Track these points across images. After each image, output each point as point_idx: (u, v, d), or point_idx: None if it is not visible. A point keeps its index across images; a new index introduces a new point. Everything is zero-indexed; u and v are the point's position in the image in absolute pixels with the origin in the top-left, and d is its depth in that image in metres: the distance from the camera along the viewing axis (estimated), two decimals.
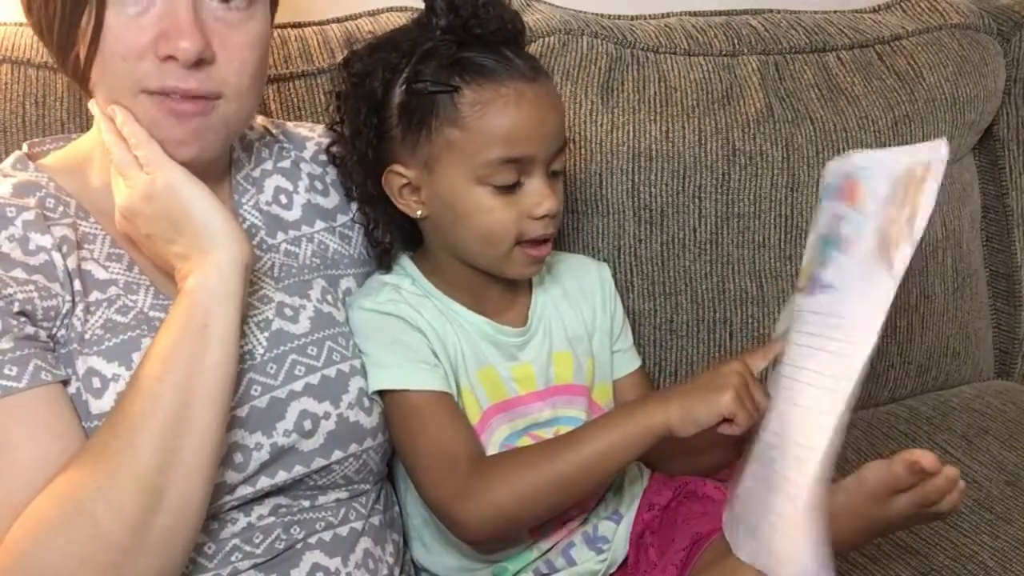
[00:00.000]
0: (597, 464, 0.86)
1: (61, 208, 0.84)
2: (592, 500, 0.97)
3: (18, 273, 0.78)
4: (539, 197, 0.89)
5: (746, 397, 0.82)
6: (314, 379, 0.88)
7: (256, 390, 0.85)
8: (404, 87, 0.90)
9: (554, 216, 0.91)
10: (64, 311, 0.80)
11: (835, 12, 1.39)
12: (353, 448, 0.89)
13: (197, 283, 0.79)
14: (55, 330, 0.80)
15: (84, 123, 1.03)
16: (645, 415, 0.84)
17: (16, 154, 0.88)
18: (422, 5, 0.92)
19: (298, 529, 0.87)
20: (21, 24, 1.07)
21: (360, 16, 1.21)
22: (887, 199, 0.76)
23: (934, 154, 0.75)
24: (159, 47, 0.78)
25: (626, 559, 0.98)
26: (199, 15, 0.79)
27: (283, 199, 0.96)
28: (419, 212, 0.93)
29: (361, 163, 0.94)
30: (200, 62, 0.79)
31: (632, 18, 1.31)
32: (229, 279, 0.80)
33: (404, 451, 0.92)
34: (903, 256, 0.74)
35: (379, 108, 0.91)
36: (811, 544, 0.73)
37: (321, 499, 0.89)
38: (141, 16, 0.78)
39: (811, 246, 0.85)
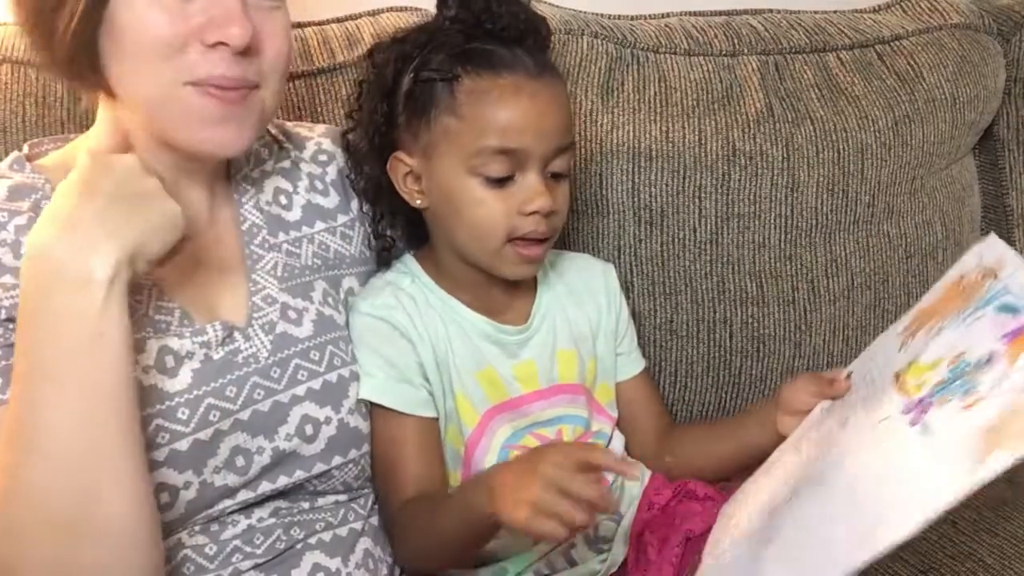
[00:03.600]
0: (462, 538, 0.85)
1: None
2: None
3: (7, 279, 0.77)
4: (531, 193, 0.89)
5: (549, 515, 0.72)
6: (316, 384, 0.88)
7: (259, 394, 0.85)
8: (412, 75, 0.92)
9: (547, 215, 0.90)
10: None
11: (835, 12, 1.39)
12: (353, 454, 0.89)
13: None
14: None
15: (84, 123, 1.03)
16: (476, 506, 0.79)
17: (14, 155, 0.88)
18: (423, 5, 0.93)
19: (298, 530, 0.87)
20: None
21: (360, 16, 1.21)
22: None
23: None
24: (208, 34, 0.78)
25: (626, 558, 0.98)
26: (244, 3, 0.79)
27: (283, 199, 0.96)
28: (419, 202, 0.94)
29: (371, 149, 0.95)
30: (247, 50, 0.79)
31: (632, 18, 1.31)
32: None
33: (373, 464, 0.93)
34: (998, 462, 0.64)
35: (390, 95, 0.93)
36: None
37: (320, 501, 0.89)
38: (184, 4, 0.78)
39: (947, 345, 0.75)
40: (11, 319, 0.76)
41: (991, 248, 0.79)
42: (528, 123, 0.88)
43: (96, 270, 0.70)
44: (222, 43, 0.78)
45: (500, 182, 0.89)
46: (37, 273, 0.71)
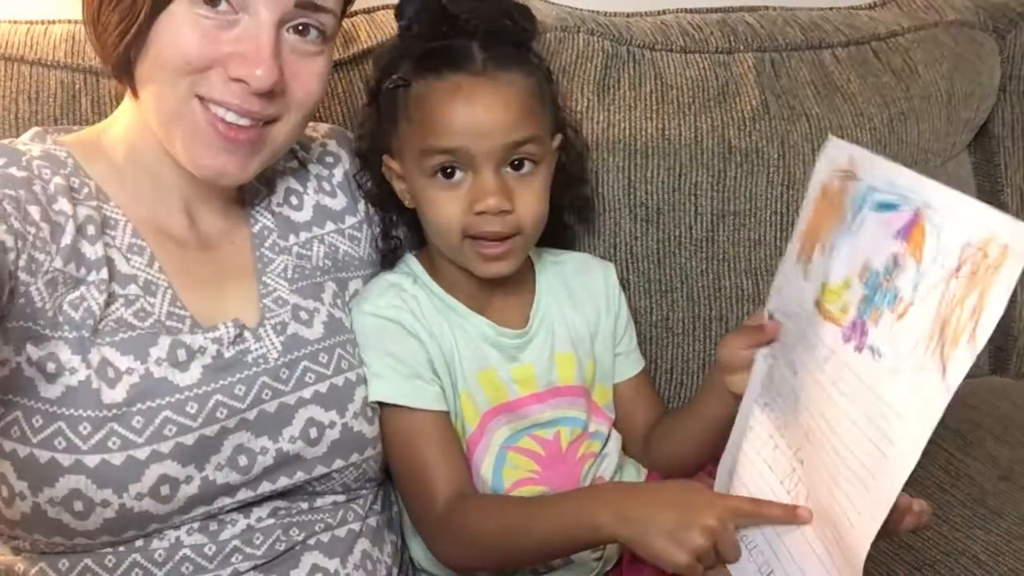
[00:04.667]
0: (555, 547, 0.87)
1: (86, 190, 0.83)
2: None
3: (33, 210, 0.76)
4: (480, 192, 0.89)
5: (709, 556, 0.78)
6: (323, 387, 0.88)
7: (267, 394, 0.85)
8: (386, 84, 0.93)
9: (498, 214, 0.89)
10: (47, 276, 0.77)
11: (831, 9, 1.39)
12: (354, 457, 0.89)
13: None
14: (22, 279, 0.75)
15: (77, 118, 1.03)
16: (597, 526, 0.81)
17: (33, 130, 0.87)
18: None
19: (297, 531, 0.87)
20: (13, 22, 1.07)
21: (356, 14, 1.20)
22: (952, 270, 0.65)
23: (1017, 238, 0.62)
24: (232, 68, 0.78)
25: (621, 556, 0.98)
26: (278, 46, 0.79)
27: (294, 200, 0.96)
28: (407, 202, 0.95)
29: (368, 153, 0.98)
30: (269, 92, 0.79)
31: (628, 15, 1.31)
32: None
33: (392, 468, 0.94)
34: (960, 363, 0.64)
35: (375, 102, 0.96)
36: None
37: (319, 501, 0.89)
38: (220, 30, 0.78)
39: (848, 260, 0.75)
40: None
41: (838, 150, 0.78)
42: (465, 122, 0.88)
43: None
44: (243, 80, 0.78)
45: (451, 181, 0.90)
46: None
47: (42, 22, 1.07)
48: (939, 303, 0.66)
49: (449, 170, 0.89)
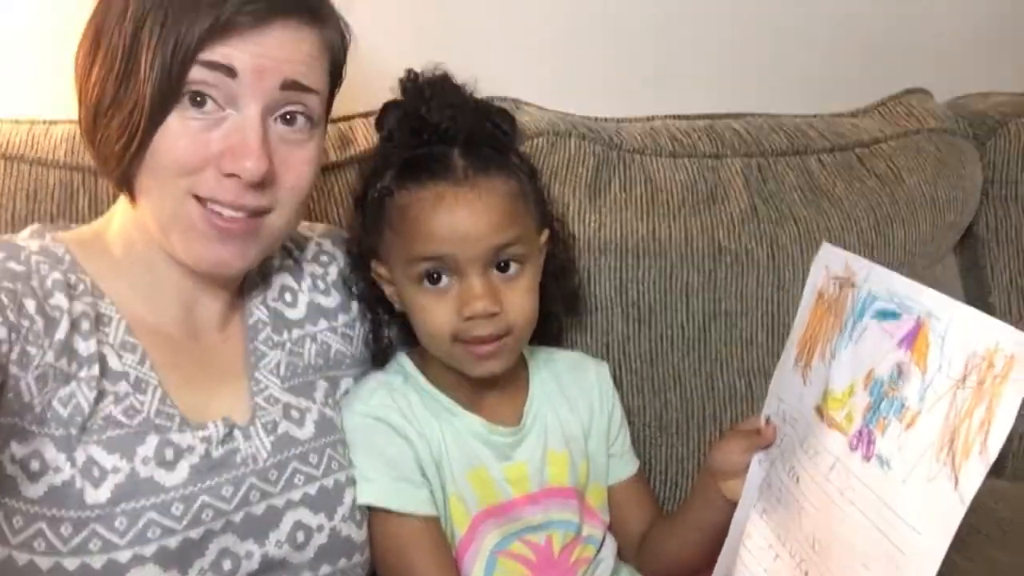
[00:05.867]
0: None
1: (81, 286, 0.83)
2: None
3: (28, 302, 0.76)
4: (467, 297, 0.89)
5: None
6: (312, 489, 0.86)
7: (255, 496, 0.83)
8: (371, 191, 0.94)
9: (487, 316, 0.89)
10: (38, 370, 0.76)
11: (815, 116, 1.42)
12: (342, 563, 0.87)
13: None
14: (12, 372, 0.74)
15: (75, 216, 1.03)
16: None
17: (31, 227, 0.88)
18: None
19: None
20: (16, 121, 1.09)
21: (354, 117, 1.23)
22: (959, 380, 0.66)
23: (1022, 349, 0.62)
24: (224, 163, 0.79)
25: None
26: (267, 136, 0.80)
27: (288, 297, 0.96)
28: (397, 305, 0.95)
29: (359, 256, 0.97)
30: (261, 182, 0.80)
31: (618, 121, 1.34)
32: None
33: (379, 570, 0.91)
34: (972, 476, 0.64)
35: (362, 208, 0.96)
36: None
37: None
38: (208, 130, 0.79)
39: (850, 367, 0.75)
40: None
41: (833, 257, 0.79)
42: (449, 230, 0.88)
43: None
44: (235, 175, 0.79)
45: (437, 287, 0.90)
46: None
47: (43, 121, 1.09)
48: (947, 413, 0.66)
49: (435, 275, 0.90)
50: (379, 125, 0.97)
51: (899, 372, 0.71)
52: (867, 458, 0.73)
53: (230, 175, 0.79)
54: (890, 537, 0.69)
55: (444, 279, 0.90)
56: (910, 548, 0.68)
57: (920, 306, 0.70)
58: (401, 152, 0.93)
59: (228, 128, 0.79)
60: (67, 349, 0.78)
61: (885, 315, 0.73)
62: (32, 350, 0.75)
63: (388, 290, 0.96)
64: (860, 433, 0.74)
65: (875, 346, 0.74)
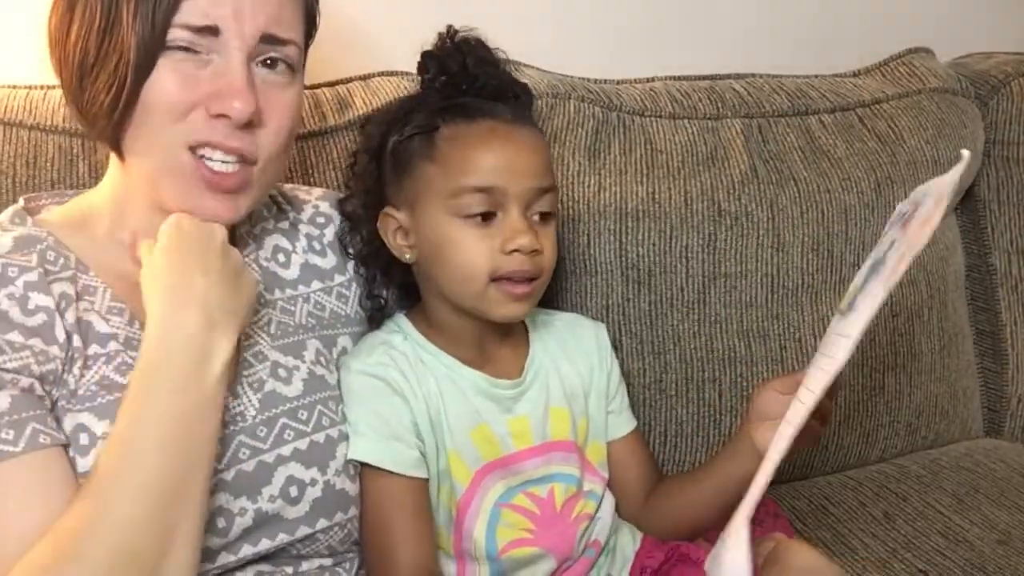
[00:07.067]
0: None
1: (62, 261, 0.83)
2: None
3: (15, 336, 0.77)
4: (512, 231, 0.90)
5: None
6: (303, 444, 0.87)
7: (244, 453, 0.84)
8: (396, 136, 0.95)
9: (529, 253, 0.90)
10: (60, 373, 0.78)
11: (816, 76, 1.42)
12: (339, 517, 0.88)
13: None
14: (53, 392, 0.78)
15: (74, 183, 1.03)
16: None
17: (13, 208, 0.88)
18: (411, 69, 0.97)
19: None
20: (13, 87, 1.09)
21: (352, 80, 1.23)
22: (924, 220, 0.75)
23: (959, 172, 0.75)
24: (212, 104, 0.80)
25: None
26: (251, 79, 0.82)
27: (281, 257, 0.96)
28: (408, 256, 0.95)
29: (363, 210, 0.98)
30: (248, 124, 0.81)
31: (618, 82, 1.33)
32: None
33: (360, 532, 0.91)
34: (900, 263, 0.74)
35: (378, 156, 0.97)
36: (742, 551, 0.73)
37: (304, 565, 0.87)
38: (197, 70, 0.80)
39: (862, 271, 0.83)
40: (18, 373, 0.76)
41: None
42: (503, 162, 0.90)
43: (223, 349, 0.78)
44: (224, 115, 0.80)
45: (481, 222, 0.90)
46: (160, 342, 0.76)
47: (41, 87, 1.09)
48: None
49: (478, 212, 0.90)
50: (422, 70, 0.98)
51: (889, 246, 0.78)
52: (844, 315, 0.80)
53: (219, 115, 0.80)
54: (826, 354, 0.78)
55: (486, 216, 0.90)
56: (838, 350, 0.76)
57: (919, 191, 0.79)
58: (439, 97, 0.95)
59: (214, 71, 0.81)
60: (68, 337, 0.79)
61: (899, 216, 0.81)
62: (50, 366, 0.78)
63: (398, 241, 0.95)
64: (852, 303, 0.79)
65: (882, 242, 0.81)
